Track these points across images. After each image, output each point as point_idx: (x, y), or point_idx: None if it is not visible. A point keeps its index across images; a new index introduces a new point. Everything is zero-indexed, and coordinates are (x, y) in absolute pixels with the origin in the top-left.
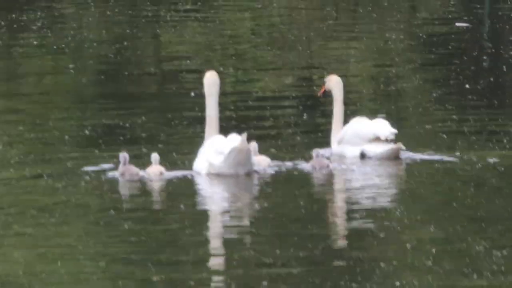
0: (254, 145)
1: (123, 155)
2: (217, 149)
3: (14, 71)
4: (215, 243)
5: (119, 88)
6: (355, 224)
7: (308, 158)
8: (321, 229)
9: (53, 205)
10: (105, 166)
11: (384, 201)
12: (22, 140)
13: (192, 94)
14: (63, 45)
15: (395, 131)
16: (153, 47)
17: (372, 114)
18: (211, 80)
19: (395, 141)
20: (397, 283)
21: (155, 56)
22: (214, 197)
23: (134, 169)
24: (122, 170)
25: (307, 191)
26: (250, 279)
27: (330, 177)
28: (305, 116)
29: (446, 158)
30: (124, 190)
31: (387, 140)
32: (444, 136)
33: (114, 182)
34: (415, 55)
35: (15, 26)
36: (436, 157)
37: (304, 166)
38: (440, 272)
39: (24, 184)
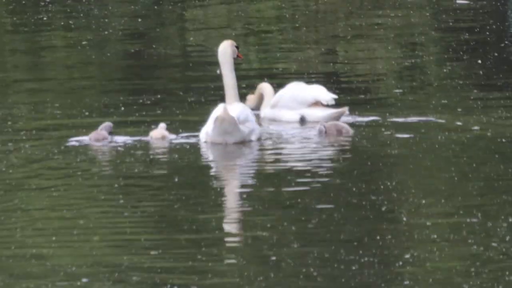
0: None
1: (108, 124)
2: (212, 118)
3: (38, 60)
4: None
5: (142, 65)
6: (363, 189)
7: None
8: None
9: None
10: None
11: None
12: (44, 108)
13: (218, 72)
14: (83, 21)
15: (335, 96)
16: (177, 28)
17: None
18: (224, 49)
19: (337, 105)
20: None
21: (179, 35)
22: (204, 166)
23: (103, 133)
24: (92, 135)
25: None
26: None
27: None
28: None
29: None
30: (119, 157)
31: (327, 105)
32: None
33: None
34: (418, 34)
35: (39, 15)
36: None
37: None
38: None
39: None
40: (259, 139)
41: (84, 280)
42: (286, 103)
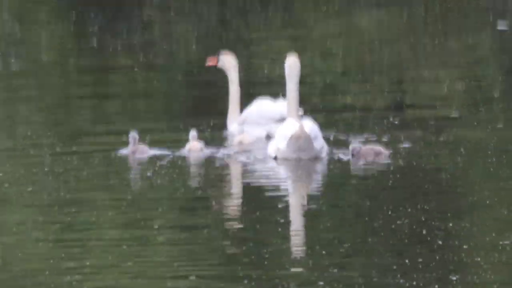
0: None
1: (132, 135)
2: (283, 134)
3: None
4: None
5: (202, 83)
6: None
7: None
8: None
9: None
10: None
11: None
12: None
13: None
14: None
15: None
16: (240, 48)
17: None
18: (292, 63)
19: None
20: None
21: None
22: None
23: (144, 148)
24: (133, 149)
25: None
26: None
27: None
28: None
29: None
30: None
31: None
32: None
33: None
34: (476, 56)
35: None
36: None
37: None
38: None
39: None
40: (328, 155)
41: None
42: (254, 119)
